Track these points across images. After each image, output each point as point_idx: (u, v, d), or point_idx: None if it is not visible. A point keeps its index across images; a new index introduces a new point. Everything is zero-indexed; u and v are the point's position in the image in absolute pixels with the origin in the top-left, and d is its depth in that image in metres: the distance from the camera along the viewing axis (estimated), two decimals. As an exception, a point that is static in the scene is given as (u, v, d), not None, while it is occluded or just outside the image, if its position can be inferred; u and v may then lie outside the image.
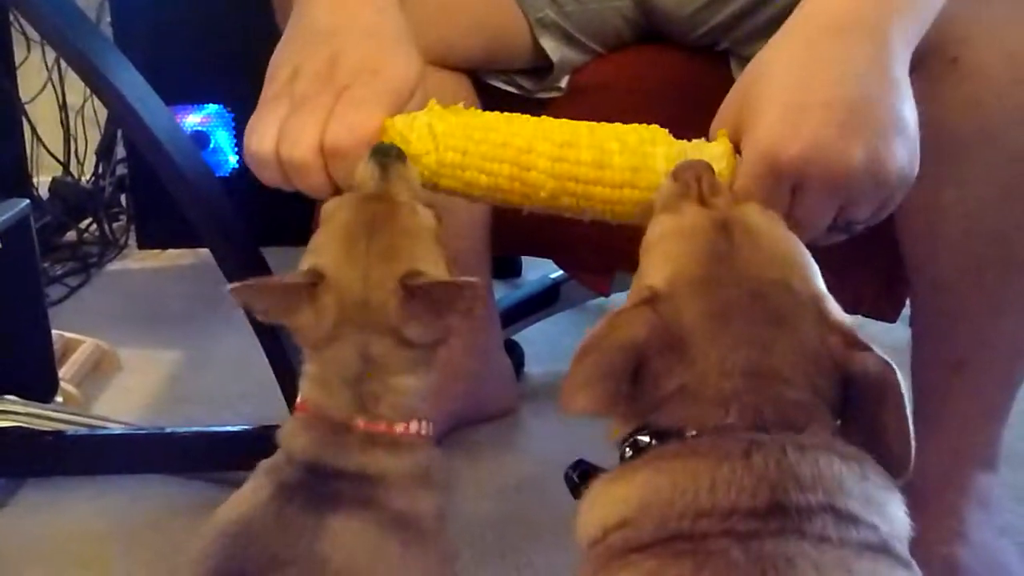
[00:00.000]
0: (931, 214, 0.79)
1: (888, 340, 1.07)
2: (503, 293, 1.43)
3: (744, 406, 0.48)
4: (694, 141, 0.62)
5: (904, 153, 0.57)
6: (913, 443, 0.48)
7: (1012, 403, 0.85)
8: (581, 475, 0.54)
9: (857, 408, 0.49)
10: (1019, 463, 1.01)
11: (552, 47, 0.95)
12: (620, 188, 0.61)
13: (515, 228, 1.03)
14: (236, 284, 0.57)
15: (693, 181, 0.56)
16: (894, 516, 0.47)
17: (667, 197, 0.57)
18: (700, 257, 0.52)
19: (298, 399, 0.61)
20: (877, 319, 0.99)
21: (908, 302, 0.94)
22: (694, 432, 0.48)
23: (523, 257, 1.69)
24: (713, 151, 0.60)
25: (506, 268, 1.66)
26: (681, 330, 0.49)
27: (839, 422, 0.50)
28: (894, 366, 0.48)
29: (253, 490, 0.58)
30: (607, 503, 0.50)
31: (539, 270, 1.52)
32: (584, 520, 0.51)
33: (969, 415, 0.85)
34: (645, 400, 0.50)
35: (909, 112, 0.58)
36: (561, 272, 1.41)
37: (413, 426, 0.60)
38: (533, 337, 1.36)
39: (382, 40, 0.66)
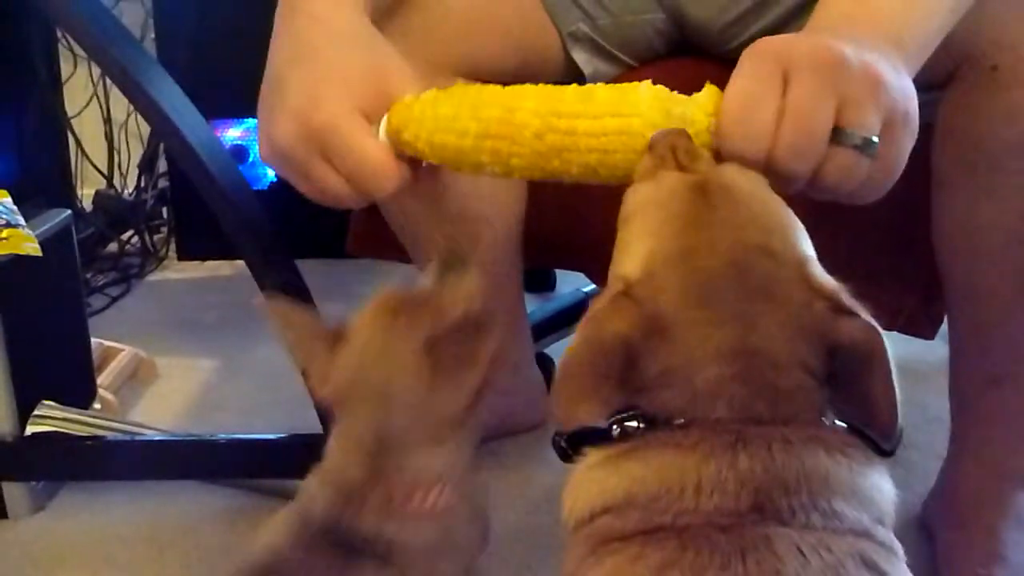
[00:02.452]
0: (969, 227, 0.77)
1: (928, 358, 1.06)
2: (535, 306, 1.42)
3: (732, 399, 0.46)
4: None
5: (896, 80, 0.55)
6: (899, 411, 0.47)
7: (1053, 421, 0.83)
8: (569, 440, 0.52)
9: (844, 375, 0.48)
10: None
11: (584, 60, 0.95)
12: (603, 118, 0.60)
13: (546, 239, 1.03)
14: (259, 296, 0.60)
15: (668, 151, 0.54)
16: (878, 500, 0.47)
17: (645, 167, 0.56)
18: (677, 227, 0.50)
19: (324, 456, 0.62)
20: (915, 336, 0.98)
21: (946, 319, 0.93)
22: (681, 421, 0.47)
23: (557, 271, 1.69)
24: (697, 98, 0.60)
25: (540, 281, 1.66)
26: (661, 313, 0.47)
27: (829, 392, 0.48)
28: (880, 331, 0.46)
29: (276, 534, 0.60)
30: (593, 489, 0.49)
31: (572, 284, 1.51)
32: (570, 502, 0.50)
33: (1008, 432, 0.84)
34: (632, 383, 0.49)
35: (903, 79, 0.57)
36: (594, 286, 1.41)
37: (432, 496, 0.60)
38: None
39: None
